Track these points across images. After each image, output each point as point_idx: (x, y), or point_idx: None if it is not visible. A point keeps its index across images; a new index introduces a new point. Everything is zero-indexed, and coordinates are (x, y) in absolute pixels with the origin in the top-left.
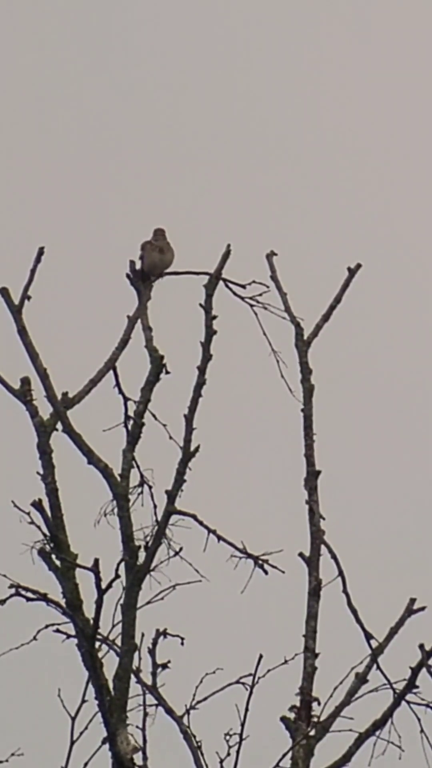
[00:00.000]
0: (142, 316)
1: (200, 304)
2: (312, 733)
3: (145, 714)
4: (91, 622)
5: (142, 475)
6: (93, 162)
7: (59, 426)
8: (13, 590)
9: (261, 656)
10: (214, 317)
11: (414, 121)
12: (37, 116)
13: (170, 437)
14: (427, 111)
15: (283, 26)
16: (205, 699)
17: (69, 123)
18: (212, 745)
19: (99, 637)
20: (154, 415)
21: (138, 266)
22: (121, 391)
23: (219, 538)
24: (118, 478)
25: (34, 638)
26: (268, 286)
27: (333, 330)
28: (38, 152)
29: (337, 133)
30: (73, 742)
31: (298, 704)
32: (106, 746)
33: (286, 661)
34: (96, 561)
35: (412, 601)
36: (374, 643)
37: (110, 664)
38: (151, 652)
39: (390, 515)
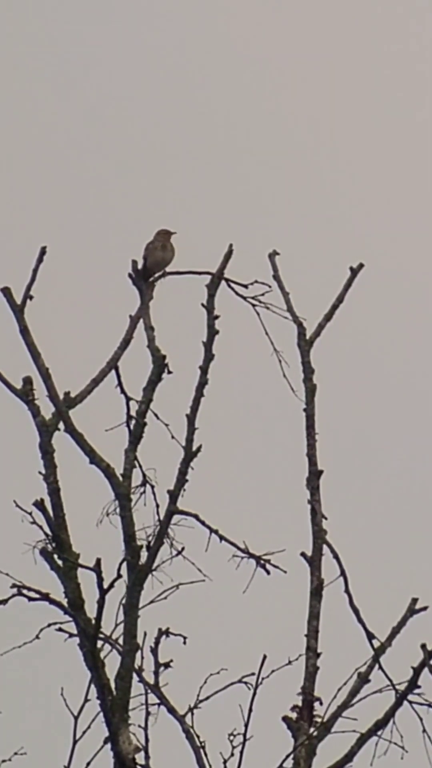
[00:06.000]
0: (144, 315)
1: (202, 304)
2: (314, 733)
3: (148, 713)
4: (93, 621)
5: (144, 475)
6: (95, 162)
7: (61, 426)
8: (15, 590)
9: (265, 656)
10: (217, 317)
11: (414, 121)
12: (39, 117)
13: (172, 437)
14: (427, 111)
15: (284, 25)
16: (207, 698)
17: (71, 123)
18: (214, 744)
19: (101, 636)
20: (156, 415)
21: (140, 265)
22: (123, 391)
23: (221, 537)
24: (120, 478)
25: (37, 637)
26: (270, 286)
27: (335, 330)
28: (40, 152)
29: (339, 133)
30: (75, 742)
31: (300, 704)
32: (109, 746)
33: (290, 662)
34: (98, 561)
35: (414, 600)
36: (376, 643)
37: (112, 663)
38: (154, 651)
39: (391, 515)
